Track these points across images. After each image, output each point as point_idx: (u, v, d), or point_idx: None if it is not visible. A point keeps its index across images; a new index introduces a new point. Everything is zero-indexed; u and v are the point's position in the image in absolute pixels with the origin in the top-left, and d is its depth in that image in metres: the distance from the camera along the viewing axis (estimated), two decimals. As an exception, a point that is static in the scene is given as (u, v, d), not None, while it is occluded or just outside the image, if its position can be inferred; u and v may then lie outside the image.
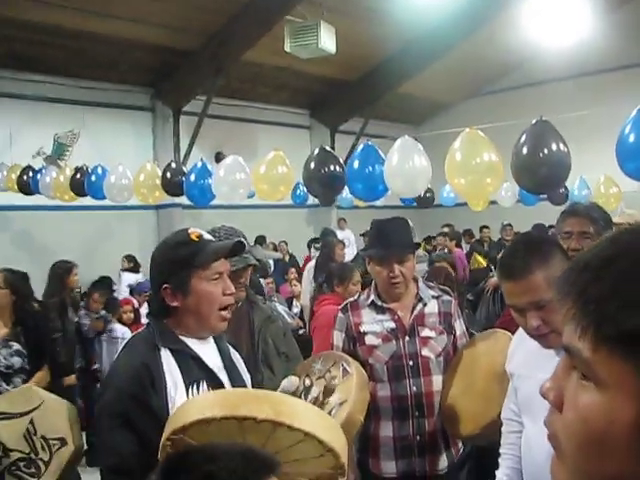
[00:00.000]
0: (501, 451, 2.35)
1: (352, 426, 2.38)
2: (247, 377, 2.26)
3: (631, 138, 4.53)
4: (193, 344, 2.05)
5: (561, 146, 4.76)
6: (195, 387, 1.97)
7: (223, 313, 2.07)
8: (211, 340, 2.15)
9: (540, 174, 4.76)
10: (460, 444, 3.13)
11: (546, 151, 4.73)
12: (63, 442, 2.15)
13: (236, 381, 2.12)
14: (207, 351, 2.10)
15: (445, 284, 3.84)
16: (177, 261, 2.03)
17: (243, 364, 2.28)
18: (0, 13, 9.02)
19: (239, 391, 1.83)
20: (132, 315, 6.93)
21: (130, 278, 10.43)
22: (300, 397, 2.49)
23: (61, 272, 6.48)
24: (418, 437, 2.95)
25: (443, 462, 3.01)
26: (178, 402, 1.88)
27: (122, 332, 6.44)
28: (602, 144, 10.48)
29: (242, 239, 2.26)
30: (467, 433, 2.78)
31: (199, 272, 2.02)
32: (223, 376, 2.09)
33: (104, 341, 6.53)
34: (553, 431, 0.73)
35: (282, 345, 3.16)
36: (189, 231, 2.09)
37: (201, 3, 10.16)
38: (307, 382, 2.58)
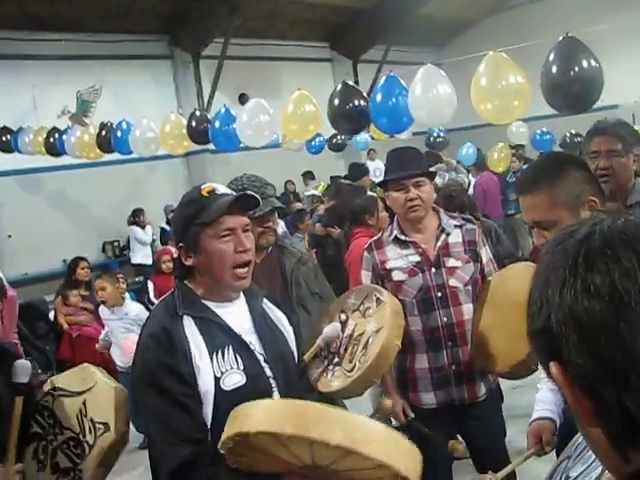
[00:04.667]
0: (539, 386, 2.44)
1: (390, 350, 2.42)
2: (289, 335, 2.18)
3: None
4: (217, 307, 2.01)
5: (592, 62, 4.55)
6: (220, 354, 1.93)
7: (239, 271, 1.98)
8: (242, 300, 2.09)
9: (572, 92, 4.57)
10: None
11: (577, 68, 4.54)
12: (107, 427, 2.13)
13: (267, 343, 2.04)
14: (234, 313, 2.04)
15: (456, 211, 3.80)
16: (186, 219, 1.98)
17: (285, 321, 2.20)
18: (6, -27, 8.95)
19: (313, 408, 1.61)
20: (171, 265, 6.81)
21: (137, 231, 10.65)
22: (339, 335, 2.52)
23: None
24: (454, 367, 2.98)
25: (481, 389, 3.04)
26: (203, 370, 1.89)
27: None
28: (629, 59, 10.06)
29: (248, 191, 2.14)
30: (497, 370, 2.75)
31: (206, 229, 1.94)
32: (253, 338, 2.03)
33: None
34: None
35: (314, 286, 3.19)
36: (202, 187, 2.01)
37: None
38: (342, 317, 2.61)
